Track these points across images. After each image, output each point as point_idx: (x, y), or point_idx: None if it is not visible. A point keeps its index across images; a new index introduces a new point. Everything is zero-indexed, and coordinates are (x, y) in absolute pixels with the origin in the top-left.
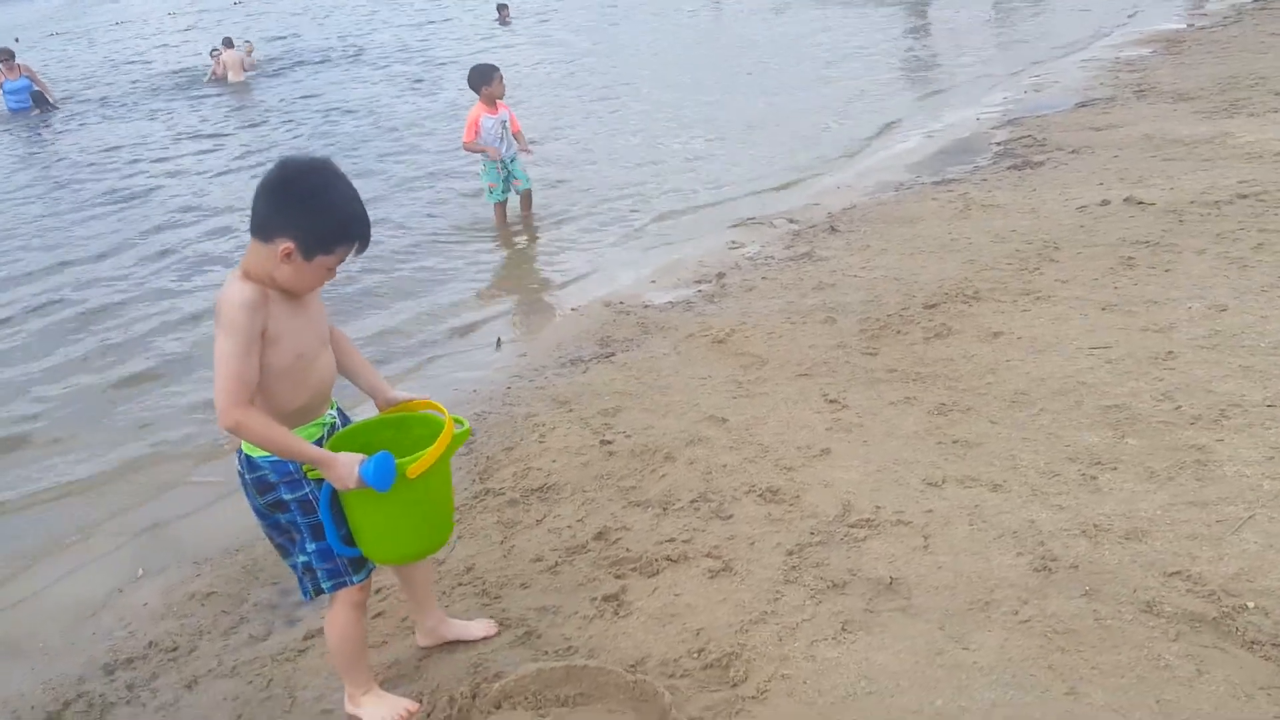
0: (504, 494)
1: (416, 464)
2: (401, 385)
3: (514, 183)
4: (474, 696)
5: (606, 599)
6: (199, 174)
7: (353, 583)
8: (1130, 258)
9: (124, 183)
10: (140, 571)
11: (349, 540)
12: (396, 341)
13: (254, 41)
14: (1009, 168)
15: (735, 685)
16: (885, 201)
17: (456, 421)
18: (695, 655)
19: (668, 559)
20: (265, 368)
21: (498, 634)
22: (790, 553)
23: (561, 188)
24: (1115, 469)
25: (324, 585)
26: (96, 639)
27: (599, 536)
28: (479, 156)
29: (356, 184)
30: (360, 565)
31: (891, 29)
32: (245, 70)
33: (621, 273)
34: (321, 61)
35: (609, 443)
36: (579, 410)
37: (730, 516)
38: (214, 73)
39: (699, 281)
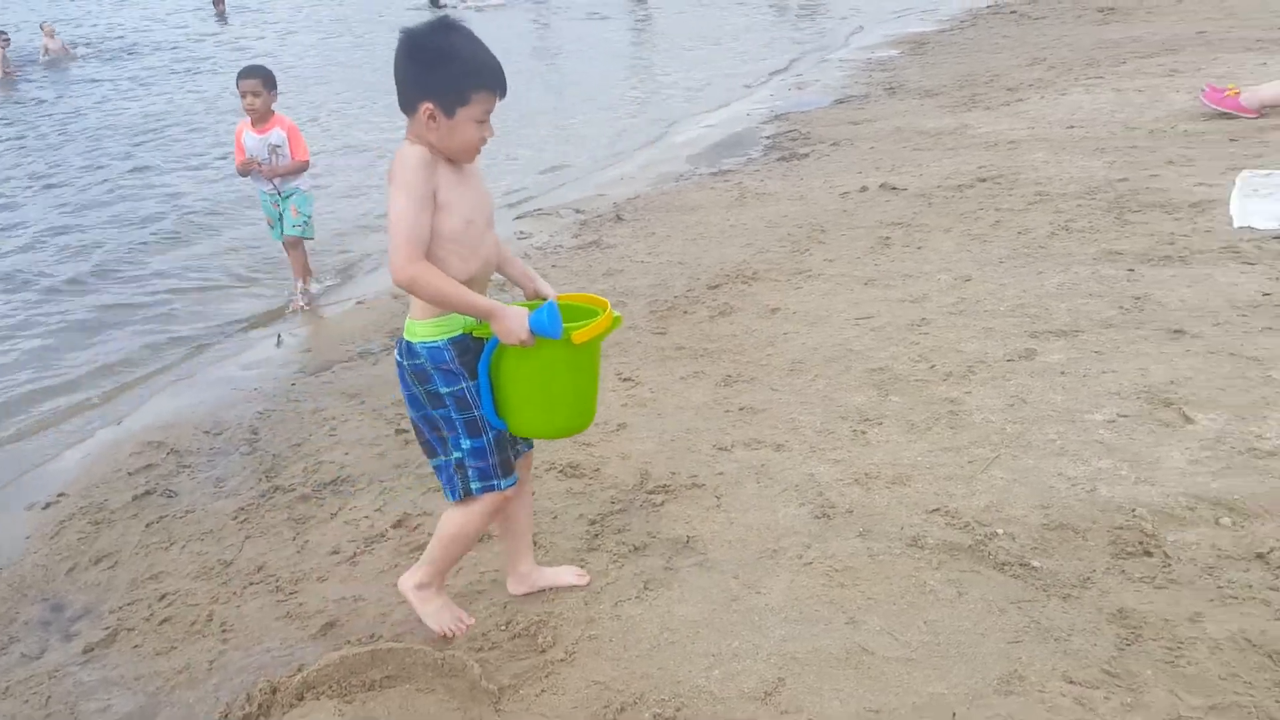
0: (294, 490)
1: (583, 330)
2: (171, 388)
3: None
4: (274, 691)
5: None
6: None
7: (500, 488)
8: (887, 238)
9: None
10: None
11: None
12: (168, 338)
13: None
14: (779, 159)
15: (544, 651)
16: (667, 191)
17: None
18: (503, 628)
19: None
20: (437, 233)
21: (588, 583)
22: (593, 522)
23: (337, 183)
24: (881, 424)
25: (473, 485)
26: None
27: (399, 524)
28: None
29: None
30: (509, 469)
31: (677, 35)
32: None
33: None
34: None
35: (404, 431)
36: (371, 402)
37: (531, 494)
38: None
39: None
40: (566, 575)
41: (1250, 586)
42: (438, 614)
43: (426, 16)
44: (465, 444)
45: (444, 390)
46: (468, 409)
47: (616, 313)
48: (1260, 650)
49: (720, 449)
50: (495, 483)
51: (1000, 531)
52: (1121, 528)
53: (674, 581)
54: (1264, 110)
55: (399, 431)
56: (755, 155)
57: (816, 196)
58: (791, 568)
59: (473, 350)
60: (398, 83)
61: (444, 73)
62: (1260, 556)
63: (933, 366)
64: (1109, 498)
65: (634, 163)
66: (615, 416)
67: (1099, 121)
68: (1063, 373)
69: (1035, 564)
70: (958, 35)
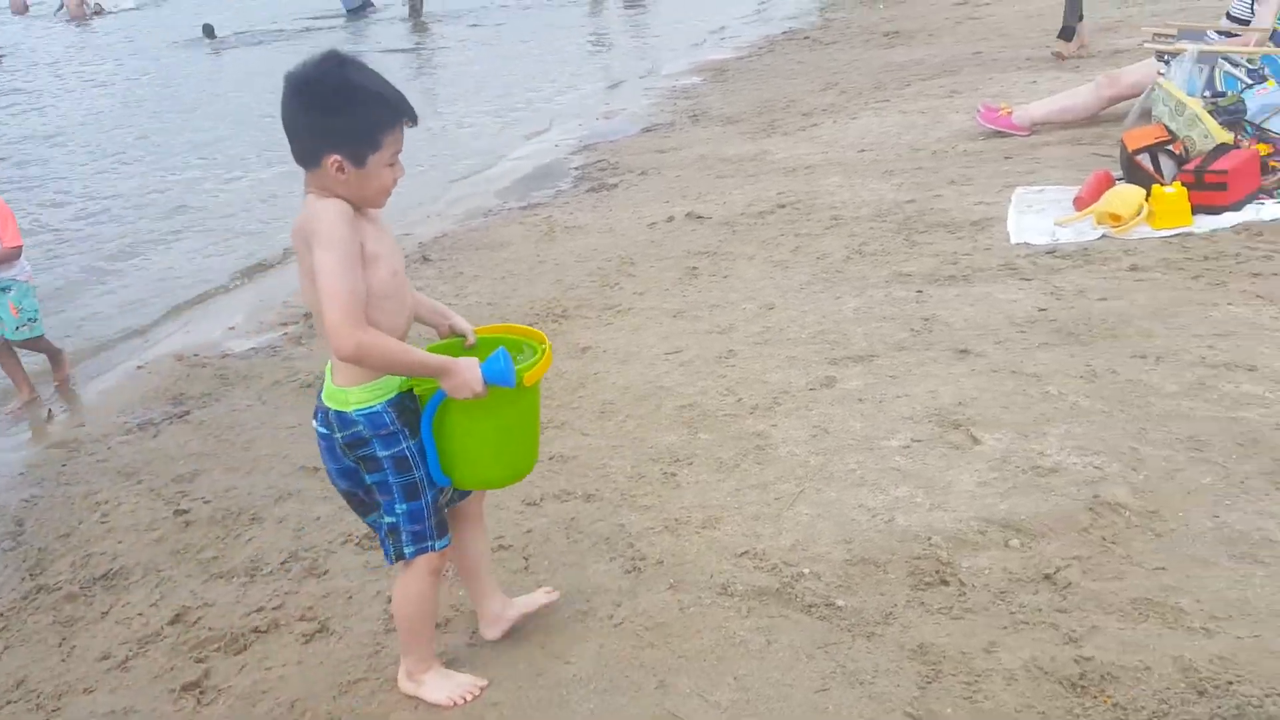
0: (60, 589)
1: (533, 371)
2: None
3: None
4: None
5: (187, 688)
6: None
7: (436, 548)
8: (694, 268)
9: None
10: None
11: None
12: None
13: None
14: (588, 190)
15: None
16: (475, 228)
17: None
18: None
19: (256, 631)
20: (370, 291)
21: (560, 598)
22: (390, 599)
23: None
24: (691, 464)
25: (406, 550)
26: None
27: (176, 619)
28: None
29: None
30: (444, 529)
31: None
32: None
33: (197, 322)
34: None
35: (185, 512)
36: (149, 480)
37: (325, 572)
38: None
39: (284, 324)
40: (539, 598)
41: (1040, 610)
42: (440, 688)
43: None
44: (400, 508)
45: (383, 454)
46: (408, 470)
47: (549, 342)
48: (1052, 678)
49: (529, 504)
50: (430, 544)
51: (806, 571)
52: (919, 557)
53: (477, 659)
54: (1035, 128)
55: (178, 513)
56: (565, 187)
57: (625, 228)
58: (601, 630)
59: (411, 407)
60: (292, 135)
61: (348, 118)
62: (1048, 578)
63: (740, 400)
64: (906, 527)
65: (442, 200)
66: None
67: (887, 144)
68: (860, 399)
69: (840, 603)
70: (756, 62)
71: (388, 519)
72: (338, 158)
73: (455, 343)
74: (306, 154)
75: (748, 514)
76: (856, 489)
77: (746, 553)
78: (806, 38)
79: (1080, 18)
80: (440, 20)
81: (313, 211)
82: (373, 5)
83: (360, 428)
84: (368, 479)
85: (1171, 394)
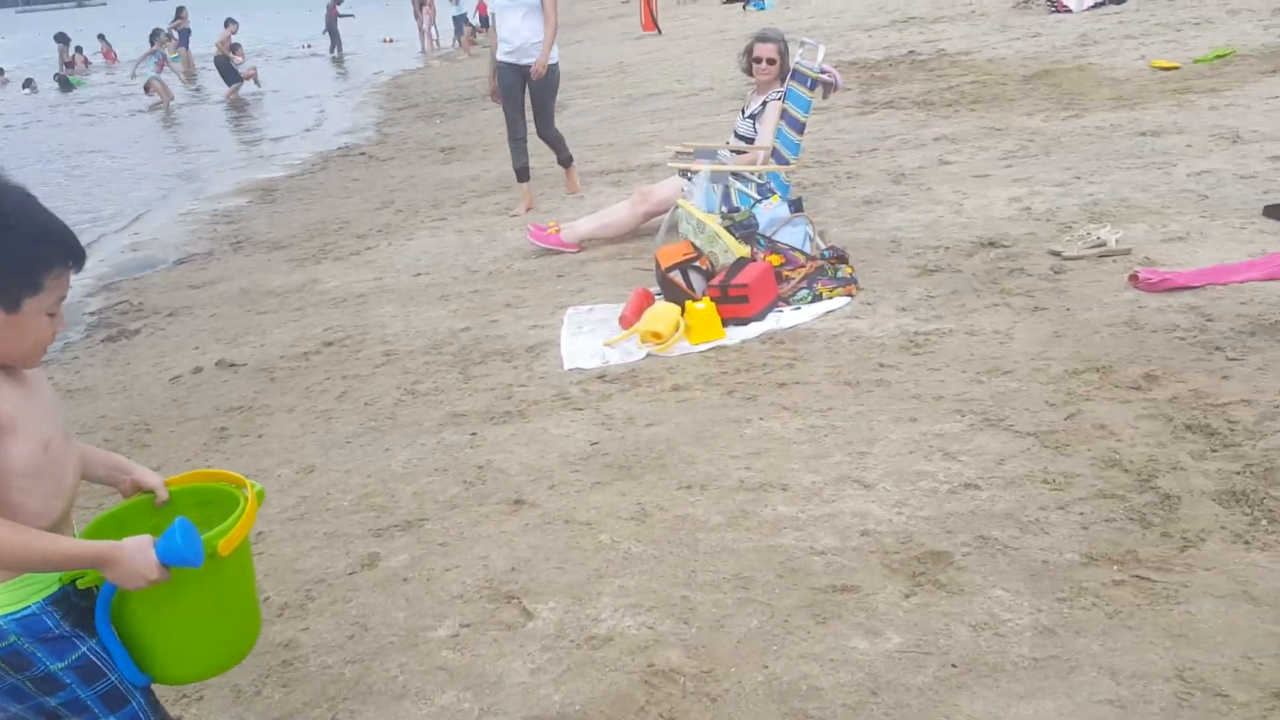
0: None
1: (229, 537)
2: None
3: None
4: None
5: None
6: None
7: None
8: (224, 428)
9: None
10: None
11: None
12: None
13: None
14: (104, 340)
15: None
16: None
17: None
18: None
19: None
20: (5, 470)
21: None
22: None
23: None
24: (200, 699)
25: None
26: None
27: None
28: None
29: None
30: None
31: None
32: None
33: None
34: None
35: None
36: None
37: None
38: None
39: None
40: None
41: None
42: None
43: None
44: None
45: (57, 666)
46: (100, 678)
47: (258, 484)
48: None
49: None
50: None
51: None
52: None
53: None
54: (583, 244)
55: None
56: (75, 338)
57: (144, 385)
58: None
59: (83, 601)
60: None
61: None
62: None
63: (266, 599)
64: None
65: None
66: None
67: (444, 266)
68: (406, 579)
69: None
70: (308, 180)
71: None
72: None
73: (143, 501)
74: None
75: None
76: (397, 703)
77: None
78: (362, 153)
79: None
80: None
81: None
82: None
83: (14, 639)
84: (51, 701)
85: (716, 526)
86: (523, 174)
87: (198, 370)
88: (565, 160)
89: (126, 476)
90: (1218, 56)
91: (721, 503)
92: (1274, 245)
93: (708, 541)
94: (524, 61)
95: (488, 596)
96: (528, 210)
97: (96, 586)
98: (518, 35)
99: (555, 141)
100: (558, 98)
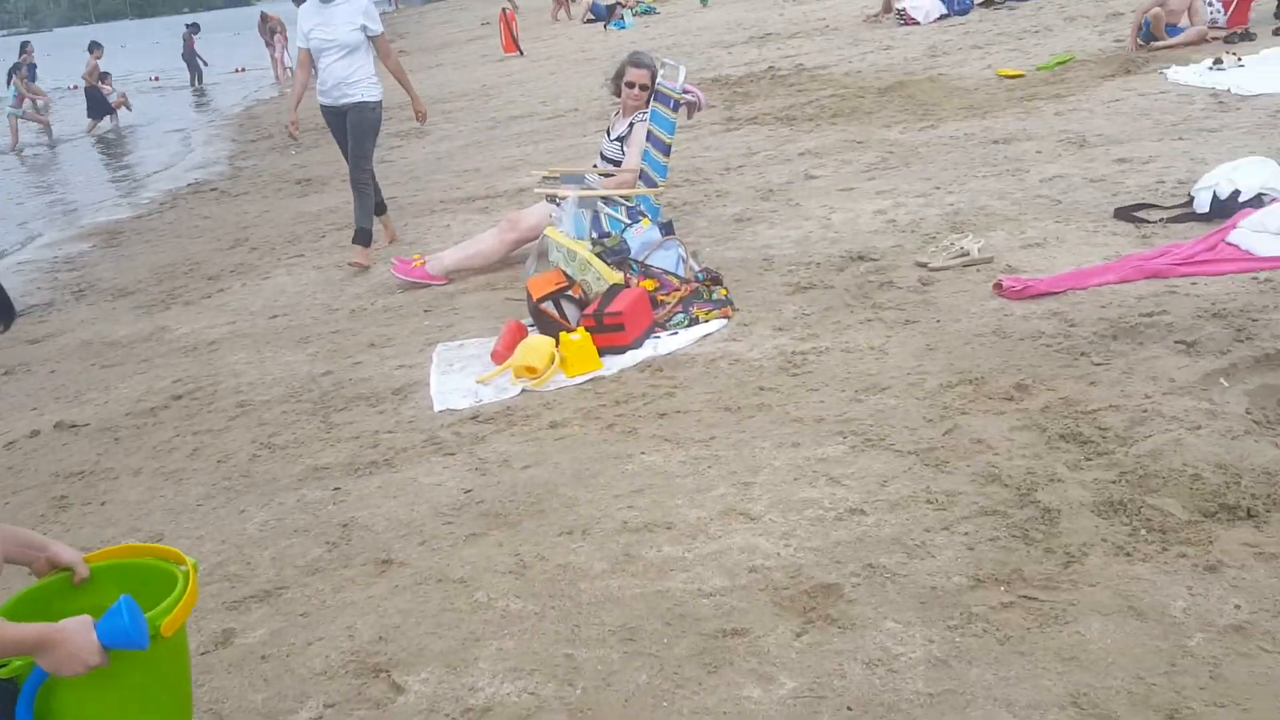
0: None
1: (172, 615)
2: None
3: None
4: None
5: None
6: None
7: None
8: (64, 497)
9: None
10: None
11: None
12: None
13: None
14: None
15: None
16: None
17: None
18: None
19: None
20: None
21: None
22: None
23: None
24: None
25: None
26: None
27: None
28: None
29: None
30: None
31: None
32: None
33: None
34: None
35: None
36: None
37: None
38: None
39: None
40: None
41: None
42: None
43: None
44: None
45: None
46: None
47: (191, 557)
48: None
49: None
50: None
51: None
52: None
53: None
54: (451, 276)
55: None
56: None
57: None
58: None
59: (4, 691)
60: None
61: None
62: None
63: None
64: None
65: None
66: None
67: (302, 306)
68: (264, 657)
69: None
70: (156, 220)
71: None
72: None
73: (60, 580)
74: None
75: None
76: None
77: None
78: (214, 189)
79: (383, 210)
80: None
81: None
82: None
83: None
84: None
85: (600, 573)
86: (379, 207)
87: (34, 434)
88: (378, 210)
89: (41, 554)
90: (1059, 63)
91: (605, 547)
92: (1126, 247)
93: (591, 591)
94: (341, 103)
95: (354, 671)
96: (390, 243)
97: (18, 676)
98: (332, 76)
99: (364, 189)
100: (378, 138)
